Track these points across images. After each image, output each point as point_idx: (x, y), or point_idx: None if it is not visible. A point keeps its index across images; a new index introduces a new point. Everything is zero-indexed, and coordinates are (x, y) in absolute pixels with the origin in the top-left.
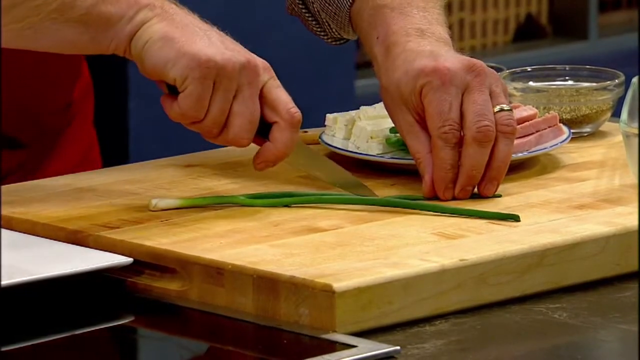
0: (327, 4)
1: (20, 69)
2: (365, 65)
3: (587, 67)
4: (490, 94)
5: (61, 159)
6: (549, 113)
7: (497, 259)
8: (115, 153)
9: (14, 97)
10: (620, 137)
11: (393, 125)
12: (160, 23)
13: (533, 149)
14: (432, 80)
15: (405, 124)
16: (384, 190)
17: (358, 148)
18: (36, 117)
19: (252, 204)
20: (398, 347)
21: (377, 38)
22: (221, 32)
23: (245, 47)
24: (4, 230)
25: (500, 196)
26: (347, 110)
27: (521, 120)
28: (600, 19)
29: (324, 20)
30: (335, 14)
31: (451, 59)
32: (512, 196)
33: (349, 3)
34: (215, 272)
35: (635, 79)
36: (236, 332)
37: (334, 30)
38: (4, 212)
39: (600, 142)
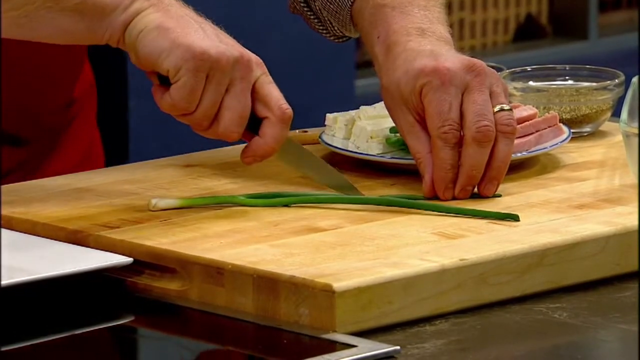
0: (328, 3)
1: (21, 66)
2: (365, 65)
3: (587, 66)
4: (490, 94)
5: (63, 158)
6: (549, 113)
7: (497, 259)
8: (115, 153)
9: (14, 95)
10: (620, 137)
11: (393, 125)
12: (155, 13)
13: (533, 149)
14: (432, 80)
15: (406, 124)
16: (384, 190)
17: (358, 148)
18: (36, 114)
19: (251, 203)
20: (398, 347)
21: (378, 37)
22: (215, 26)
23: (245, 47)
24: (4, 230)
25: (500, 196)
26: (347, 110)
27: (521, 120)
28: (600, 18)
29: (326, 18)
30: (336, 12)
31: (451, 59)
32: (512, 196)
33: (350, 1)
34: (215, 272)
35: (635, 79)
36: (236, 332)
37: (336, 28)
38: (4, 212)
39: (600, 142)
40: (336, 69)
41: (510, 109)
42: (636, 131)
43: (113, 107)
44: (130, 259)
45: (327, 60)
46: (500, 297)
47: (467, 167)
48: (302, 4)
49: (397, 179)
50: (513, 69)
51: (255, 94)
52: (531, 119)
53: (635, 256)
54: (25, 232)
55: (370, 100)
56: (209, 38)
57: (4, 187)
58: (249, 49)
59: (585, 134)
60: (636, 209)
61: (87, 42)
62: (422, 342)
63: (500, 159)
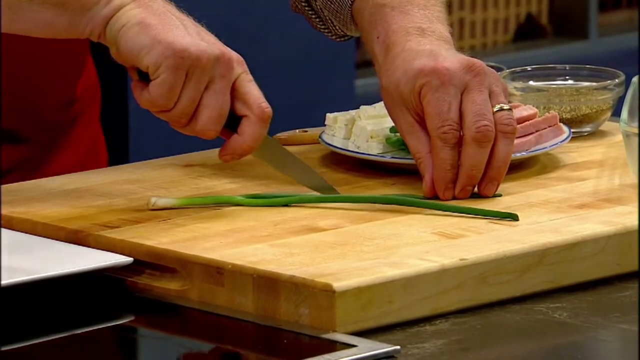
0: (329, 2)
1: (21, 64)
2: (365, 65)
3: (587, 66)
4: (489, 94)
5: (66, 157)
6: (549, 112)
7: (497, 259)
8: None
9: (14, 92)
10: (620, 137)
11: (393, 124)
12: (137, 9)
13: (533, 149)
14: (431, 80)
15: (405, 124)
16: (384, 189)
17: (358, 148)
18: (37, 112)
19: (250, 203)
20: (398, 347)
21: (378, 37)
22: (196, 23)
23: (245, 47)
24: (4, 230)
25: (500, 196)
26: (347, 110)
27: (521, 120)
28: (601, 18)
29: (327, 17)
30: (337, 11)
31: (450, 59)
32: (512, 196)
33: (350, 1)
34: (215, 271)
35: (635, 79)
36: (236, 331)
37: (337, 27)
38: (4, 211)
39: (600, 142)
40: (336, 68)
41: (510, 109)
42: (636, 131)
43: (113, 107)
44: (130, 259)
45: (327, 60)
46: (501, 296)
47: (467, 167)
48: (303, 3)
49: (397, 179)
50: (513, 69)
51: (235, 92)
52: (531, 119)
53: (635, 256)
54: (25, 232)
55: (370, 100)
56: (190, 35)
57: (4, 187)
58: (249, 49)
59: (586, 134)
60: (636, 209)
61: (68, 36)
62: (422, 342)
63: (500, 158)
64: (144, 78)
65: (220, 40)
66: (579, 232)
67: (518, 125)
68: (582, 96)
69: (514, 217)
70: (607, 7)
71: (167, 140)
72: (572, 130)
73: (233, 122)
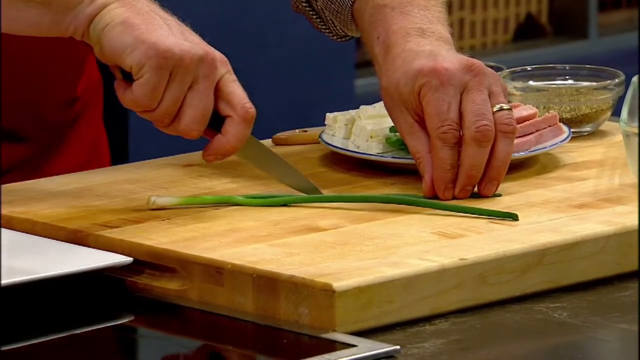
0: (329, 2)
1: (21, 62)
2: (365, 65)
3: (587, 66)
4: (489, 94)
5: (68, 156)
6: (548, 112)
7: (497, 258)
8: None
9: (14, 91)
10: (620, 137)
11: (393, 124)
12: (121, 8)
13: (533, 149)
14: (430, 80)
15: (405, 124)
16: (384, 189)
17: (358, 147)
18: (37, 111)
19: (249, 203)
20: (398, 347)
21: (378, 38)
22: (180, 22)
23: (245, 47)
24: (4, 230)
25: (500, 195)
26: (347, 110)
27: (521, 120)
28: (600, 18)
29: (328, 18)
30: (337, 12)
31: (450, 59)
32: (512, 195)
33: (350, 1)
34: (215, 271)
35: (635, 78)
36: (236, 331)
37: (338, 27)
38: (4, 211)
39: (600, 142)
40: (336, 68)
41: (510, 109)
42: (636, 131)
43: (113, 107)
44: (130, 259)
45: (327, 60)
46: (500, 296)
47: (466, 167)
48: (304, 4)
49: (397, 179)
50: (513, 69)
51: (218, 92)
52: (531, 119)
53: (635, 256)
54: (25, 232)
55: (370, 100)
56: (174, 35)
57: (4, 186)
58: (249, 49)
59: (585, 134)
60: (636, 209)
61: (51, 35)
62: (422, 342)
63: (500, 158)
64: (127, 77)
65: (220, 40)
66: (579, 232)
67: (518, 125)
68: (582, 96)
69: (513, 217)
70: (606, 6)
71: (167, 140)
72: (572, 130)
73: (217, 122)
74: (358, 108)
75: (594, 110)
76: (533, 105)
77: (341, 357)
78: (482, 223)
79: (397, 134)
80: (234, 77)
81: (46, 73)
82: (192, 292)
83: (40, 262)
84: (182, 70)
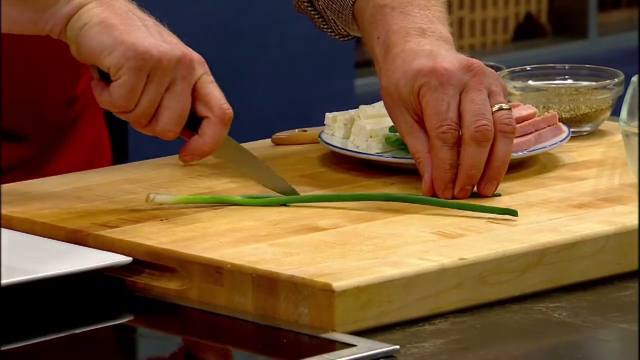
0: (331, 2)
1: (20, 62)
2: (365, 64)
3: (587, 66)
4: (489, 94)
5: (69, 156)
6: (548, 112)
7: (496, 258)
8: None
9: (13, 90)
10: (619, 136)
11: (392, 124)
12: (98, 7)
13: (532, 148)
14: (429, 80)
15: (405, 124)
16: (384, 189)
17: (357, 147)
18: (36, 110)
19: (249, 203)
20: (397, 347)
21: (378, 38)
22: (158, 23)
23: (245, 47)
24: (3, 230)
25: (499, 195)
26: (347, 109)
27: (520, 120)
28: (600, 17)
29: (330, 17)
30: (339, 11)
31: (449, 59)
32: (511, 195)
33: (351, 1)
34: (215, 271)
35: (634, 78)
36: (235, 331)
37: (340, 27)
38: (4, 211)
39: (599, 141)
40: (336, 68)
41: (509, 108)
42: (636, 130)
43: None
44: (129, 259)
45: (327, 60)
46: (500, 296)
47: (466, 167)
48: (306, 4)
49: (397, 178)
50: (512, 68)
51: (196, 93)
52: (530, 118)
53: (635, 255)
54: (24, 232)
55: (369, 100)
56: (152, 36)
57: (3, 186)
58: (249, 49)
59: (585, 133)
60: (636, 208)
61: (28, 32)
62: (421, 342)
63: (499, 158)
64: (105, 77)
65: (220, 40)
66: (579, 232)
67: (517, 125)
68: (581, 96)
69: (512, 213)
70: (606, 6)
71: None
72: (571, 129)
73: (194, 122)
74: (358, 108)
75: (593, 110)
76: (532, 105)
77: (341, 357)
78: (481, 223)
79: (397, 133)
80: (211, 78)
81: (46, 73)
82: (192, 292)
83: (40, 262)
84: (160, 72)
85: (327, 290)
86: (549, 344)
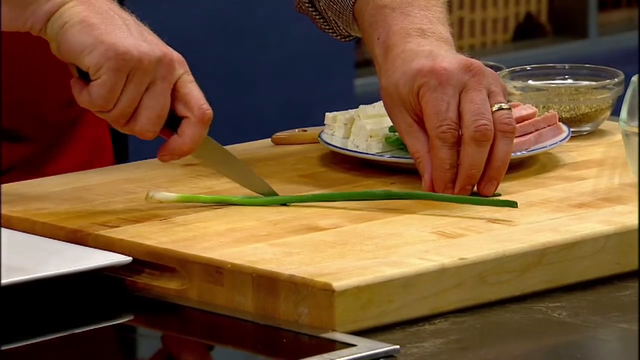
0: (331, 3)
1: (20, 62)
2: (365, 64)
3: (587, 65)
4: (488, 94)
5: (69, 157)
6: (548, 112)
7: (496, 258)
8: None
9: (13, 90)
10: (619, 136)
11: (392, 124)
12: (79, 6)
13: (532, 148)
14: (429, 80)
15: (404, 124)
16: (384, 188)
17: (357, 147)
18: (36, 110)
19: (249, 203)
20: (397, 346)
21: (378, 38)
22: (139, 22)
23: (245, 47)
24: (3, 230)
25: (499, 195)
26: (347, 109)
27: (520, 119)
28: (600, 17)
29: (331, 18)
30: (340, 12)
31: (449, 59)
32: (511, 195)
33: (352, 2)
34: (215, 271)
35: (634, 78)
36: (235, 331)
37: (341, 27)
38: (4, 211)
39: (599, 141)
40: (336, 68)
41: (509, 108)
42: (636, 130)
43: None
44: (129, 258)
45: (327, 60)
46: (500, 296)
47: (466, 167)
48: (307, 4)
49: (397, 178)
50: (512, 68)
51: (176, 92)
52: (530, 118)
53: (635, 255)
54: (24, 232)
55: (369, 100)
56: (133, 36)
57: (3, 186)
58: (249, 49)
59: (585, 133)
60: (636, 208)
61: (8, 29)
62: (421, 342)
63: (499, 158)
64: (84, 76)
65: (220, 39)
66: (579, 232)
67: (517, 125)
68: (581, 95)
69: (512, 205)
70: (606, 6)
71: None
72: (571, 129)
73: (173, 122)
74: (357, 107)
75: (593, 109)
76: (532, 105)
77: (341, 357)
78: (481, 223)
79: (397, 133)
80: (191, 77)
81: (46, 73)
82: (192, 292)
83: (39, 261)
84: (140, 72)
85: (327, 290)
86: (549, 344)
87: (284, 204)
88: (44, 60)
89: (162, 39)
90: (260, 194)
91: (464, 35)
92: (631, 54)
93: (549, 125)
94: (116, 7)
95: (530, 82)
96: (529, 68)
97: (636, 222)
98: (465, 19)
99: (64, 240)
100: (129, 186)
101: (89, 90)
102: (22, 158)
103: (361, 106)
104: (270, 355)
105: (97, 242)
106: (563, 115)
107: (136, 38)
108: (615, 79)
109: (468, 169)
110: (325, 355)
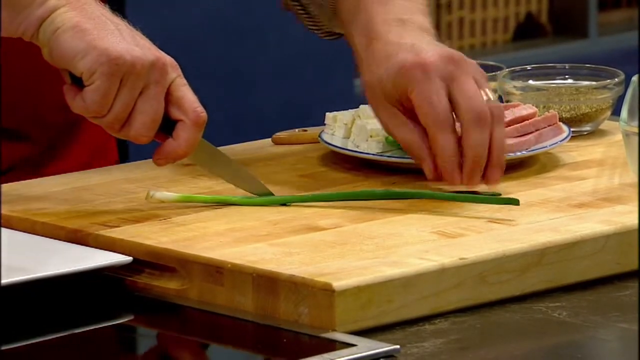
0: None
1: (20, 62)
2: None
3: (587, 65)
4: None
5: (71, 157)
6: (548, 112)
7: (496, 258)
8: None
9: (13, 89)
10: (620, 136)
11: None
12: (71, 12)
13: (532, 148)
14: (415, 73)
15: (392, 118)
16: (384, 188)
17: (358, 147)
18: (35, 111)
19: (249, 203)
20: (398, 346)
21: (358, 29)
22: (131, 27)
23: (245, 47)
24: (3, 230)
25: (499, 195)
26: (347, 109)
27: (520, 119)
28: (600, 17)
29: (314, 13)
30: (321, 5)
31: (432, 51)
32: (511, 195)
33: None
34: (215, 271)
35: (635, 78)
36: (236, 331)
37: (325, 24)
38: (4, 211)
39: (599, 141)
40: (336, 68)
41: (491, 97)
42: (636, 130)
43: None
44: (129, 258)
45: (327, 60)
46: (500, 296)
47: (471, 150)
48: (291, 1)
49: (397, 178)
50: (513, 68)
51: (169, 96)
52: (530, 118)
53: (635, 255)
54: (24, 231)
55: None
56: (125, 41)
57: (4, 186)
58: (249, 49)
59: (585, 133)
60: (636, 208)
61: (2, 34)
62: (421, 341)
63: (498, 144)
64: (77, 82)
65: (221, 39)
66: (579, 232)
67: (517, 125)
68: (581, 95)
69: (514, 202)
70: (606, 6)
71: None
72: (571, 129)
73: (168, 126)
74: (358, 107)
75: (593, 109)
76: (533, 105)
77: (341, 357)
78: (481, 222)
79: None
80: (184, 81)
81: (43, 74)
82: (192, 292)
83: (39, 261)
84: (133, 77)
85: (327, 290)
86: (549, 344)
87: (284, 204)
88: (41, 61)
89: (162, 39)
90: (256, 194)
91: (464, 35)
92: (631, 54)
93: (549, 125)
94: (108, 13)
95: (530, 82)
96: (529, 68)
97: (636, 222)
98: (465, 19)
99: (64, 240)
100: (129, 186)
101: (82, 96)
102: (22, 158)
103: (361, 106)
104: (270, 355)
105: (97, 242)
106: (563, 115)
107: (129, 43)
108: (616, 79)
109: (474, 152)
110: (325, 355)
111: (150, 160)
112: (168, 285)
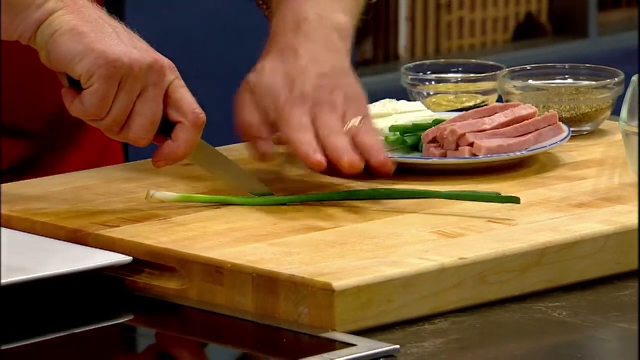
0: None
1: (19, 62)
2: (365, 64)
3: (587, 65)
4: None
5: (74, 158)
6: (548, 112)
7: (496, 258)
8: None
9: (13, 89)
10: (620, 136)
11: (392, 123)
12: (69, 15)
13: (532, 148)
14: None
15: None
16: (384, 188)
17: None
18: (36, 108)
19: (249, 203)
20: (398, 346)
21: (276, 19)
22: (129, 30)
23: (246, 47)
24: (3, 230)
25: (499, 194)
26: None
27: (520, 119)
28: (600, 17)
29: None
30: None
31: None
32: (511, 195)
33: None
34: (215, 271)
35: (635, 78)
36: (236, 331)
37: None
38: (4, 211)
39: (599, 141)
40: None
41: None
42: (636, 130)
43: None
44: (129, 258)
45: None
46: (500, 296)
47: (323, 132)
48: None
49: (397, 178)
50: (513, 68)
51: (168, 98)
52: (530, 118)
53: (635, 255)
54: (24, 231)
55: (369, 100)
56: (123, 43)
57: (3, 186)
58: (249, 49)
59: (585, 133)
60: (636, 208)
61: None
62: (421, 341)
63: (368, 142)
64: (75, 85)
65: (221, 39)
66: (579, 232)
67: (517, 125)
68: (581, 95)
69: (515, 201)
70: (606, 6)
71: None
72: (571, 129)
73: (166, 128)
74: None
75: (593, 109)
76: (533, 105)
77: (341, 357)
78: (481, 222)
79: (397, 133)
80: (182, 83)
81: (44, 75)
82: (192, 292)
83: (39, 261)
84: (132, 80)
85: (327, 290)
86: (549, 344)
87: (284, 204)
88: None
89: (162, 40)
90: (256, 194)
91: (464, 35)
92: (631, 54)
93: (549, 125)
94: (105, 16)
95: (530, 82)
96: (529, 68)
97: (636, 222)
98: (465, 19)
99: (64, 240)
100: (129, 186)
101: (81, 99)
102: (23, 156)
103: None
104: (270, 355)
105: (97, 242)
106: (563, 115)
107: (127, 45)
108: (616, 79)
109: (324, 132)
110: (325, 355)
111: (150, 160)
112: (168, 285)
